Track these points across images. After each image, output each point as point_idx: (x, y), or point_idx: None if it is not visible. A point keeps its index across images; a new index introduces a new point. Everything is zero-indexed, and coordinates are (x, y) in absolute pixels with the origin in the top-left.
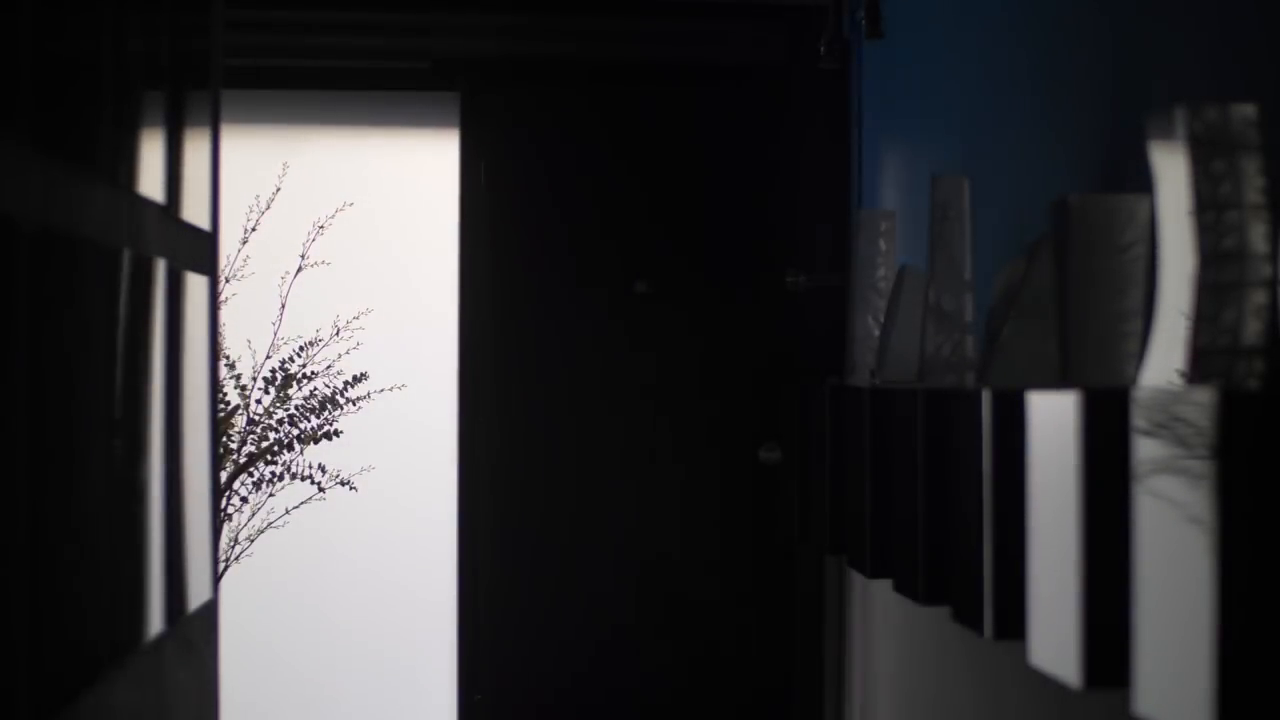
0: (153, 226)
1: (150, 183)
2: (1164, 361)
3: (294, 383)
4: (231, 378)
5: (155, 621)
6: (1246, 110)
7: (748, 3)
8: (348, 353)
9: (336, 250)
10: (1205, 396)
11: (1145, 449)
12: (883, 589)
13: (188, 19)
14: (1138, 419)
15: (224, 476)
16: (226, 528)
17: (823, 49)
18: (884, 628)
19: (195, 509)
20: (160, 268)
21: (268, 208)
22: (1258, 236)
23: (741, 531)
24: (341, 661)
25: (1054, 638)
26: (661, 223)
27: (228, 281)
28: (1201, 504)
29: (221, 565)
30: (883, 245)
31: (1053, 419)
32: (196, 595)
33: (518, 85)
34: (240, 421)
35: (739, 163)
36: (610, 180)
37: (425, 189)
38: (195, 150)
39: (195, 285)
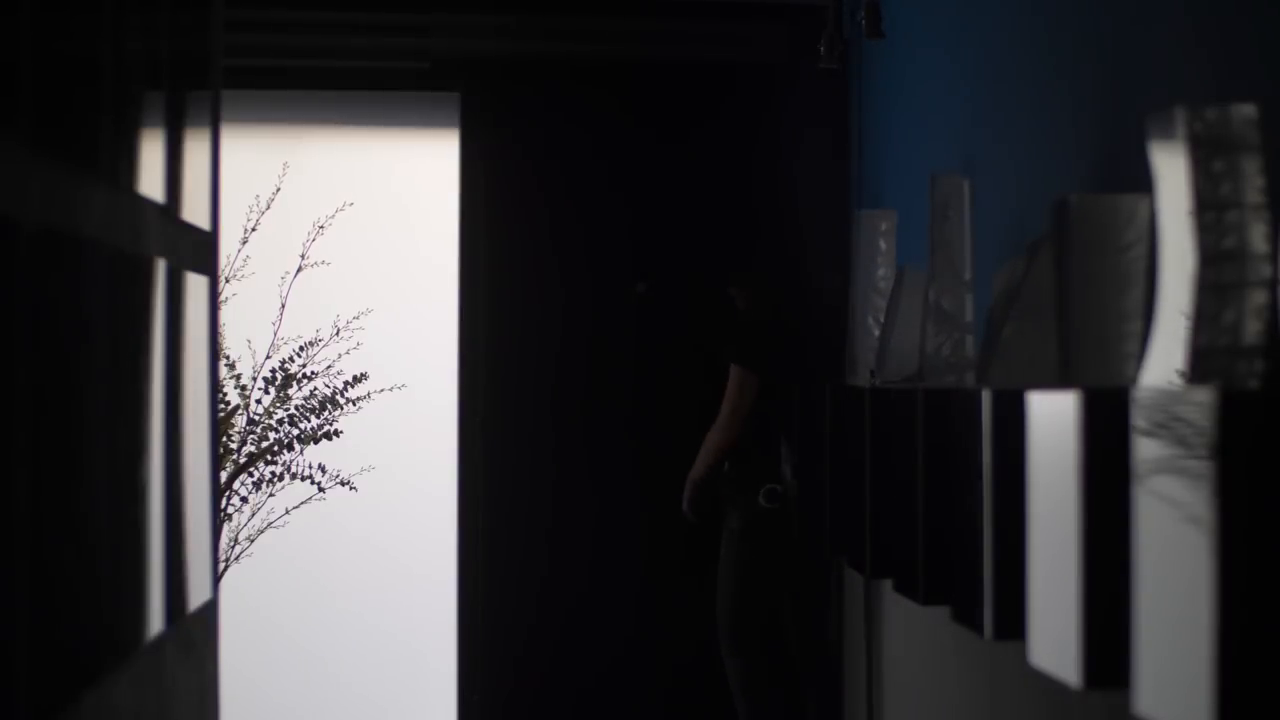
0: (153, 226)
1: (150, 183)
2: (1164, 361)
3: (294, 383)
4: (231, 378)
5: (156, 621)
6: (1246, 110)
7: (748, 3)
8: (348, 353)
9: (336, 250)
10: (1205, 396)
11: (1145, 449)
12: (883, 589)
13: (188, 19)
14: (1138, 419)
15: (224, 476)
16: (226, 528)
17: (823, 49)
18: (884, 628)
19: (195, 509)
20: (160, 268)
21: (268, 208)
22: (1258, 236)
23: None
24: (341, 660)
25: (1054, 638)
26: (661, 222)
27: (228, 281)
28: (1201, 504)
29: (221, 565)
30: (883, 245)
31: (1053, 419)
32: (197, 595)
33: (517, 85)
34: (240, 421)
35: (739, 162)
36: (610, 180)
37: (425, 189)
38: (195, 150)
39: (195, 285)
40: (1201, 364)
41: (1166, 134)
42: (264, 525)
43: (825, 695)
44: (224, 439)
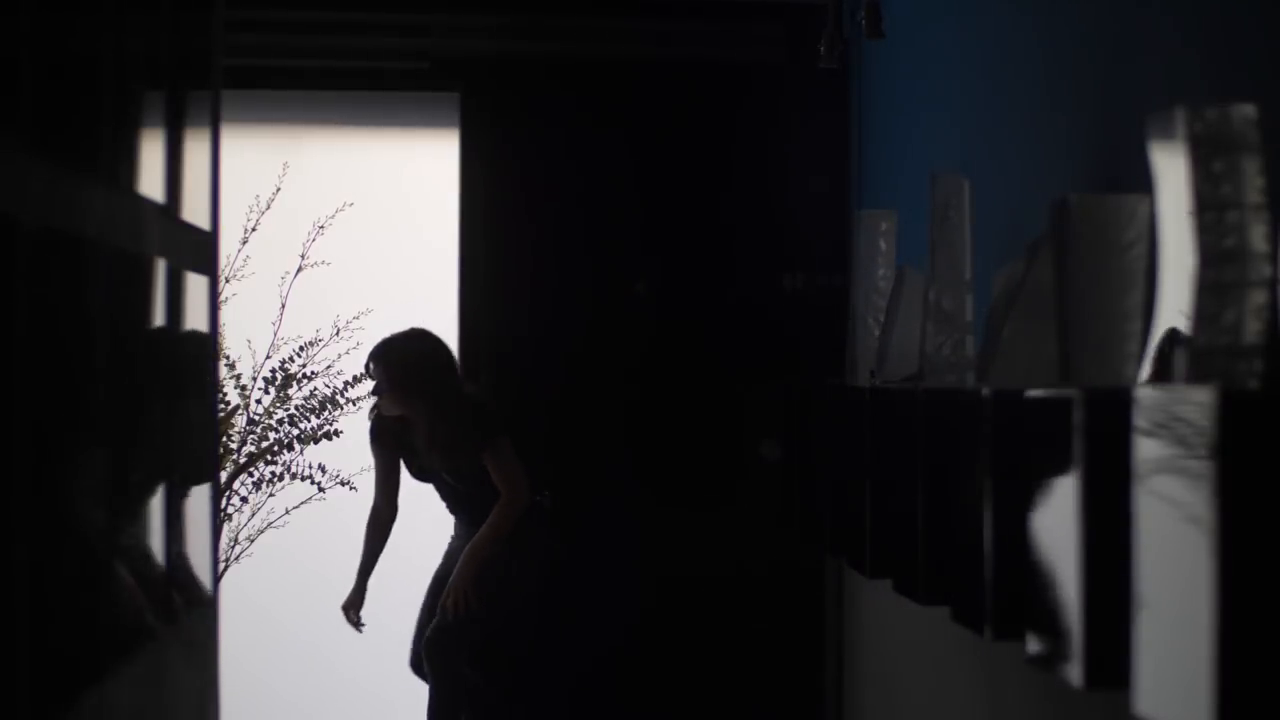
0: (153, 226)
1: (150, 183)
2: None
3: (294, 383)
4: (231, 378)
5: (156, 621)
6: (1246, 110)
7: (748, 3)
8: (348, 353)
9: (336, 250)
10: (1205, 396)
11: (1145, 449)
12: (883, 589)
13: (188, 19)
14: (1138, 419)
15: (224, 476)
16: (226, 528)
17: (823, 49)
18: (883, 628)
19: (195, 509)
20: (160, 268)
21: (268, 208)
22: (1258, 236)
23: (741, 530)
24: (341, 660)
25: (1054, 638)
26: (661, 222)
27: (228, 281)
28: (1201, 504)
29: (221, 565)
30: (883, 245)
31: (1053, 419)
32: (197, 595)
33: (517, 85)
34: (240, 421)
35: (739, 162)
36: (610, 180)
37: (425, 189)
38: (195, 150)
39: (195, 285)
40: (1201, 364)
41: (1166, 134)
42: (264, 525)
43: (826, 696)
44: (224, 439)
